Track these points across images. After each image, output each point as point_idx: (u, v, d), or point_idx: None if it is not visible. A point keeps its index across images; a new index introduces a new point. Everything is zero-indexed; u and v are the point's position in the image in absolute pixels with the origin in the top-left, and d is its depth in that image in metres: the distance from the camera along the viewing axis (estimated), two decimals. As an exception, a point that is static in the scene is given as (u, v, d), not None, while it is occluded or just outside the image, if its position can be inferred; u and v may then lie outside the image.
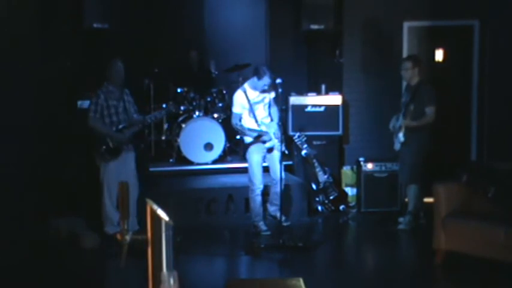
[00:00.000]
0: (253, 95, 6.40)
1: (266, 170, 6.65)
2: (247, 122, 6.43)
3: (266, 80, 6.28)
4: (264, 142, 6.39)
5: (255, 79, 6.35)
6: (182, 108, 8.25)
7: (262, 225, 6.50)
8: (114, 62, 6.27)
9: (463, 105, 7.90)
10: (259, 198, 6.50)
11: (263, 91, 6.38)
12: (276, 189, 6.44)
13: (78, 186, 6.94)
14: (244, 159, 7.89)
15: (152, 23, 8.82)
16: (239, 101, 6.40)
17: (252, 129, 6.41)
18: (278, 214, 6.46)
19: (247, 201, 6.91)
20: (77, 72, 7.30)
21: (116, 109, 6.18)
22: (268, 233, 6.41)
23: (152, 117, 6.55)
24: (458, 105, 7.88)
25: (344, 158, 7.82)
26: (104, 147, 6.13)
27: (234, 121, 6.44)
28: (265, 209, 6.73)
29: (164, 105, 7.77)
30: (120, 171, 6.15)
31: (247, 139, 6.48)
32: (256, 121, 6.41)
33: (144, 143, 7.91)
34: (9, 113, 5.67)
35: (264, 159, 6.50)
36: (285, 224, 6.57)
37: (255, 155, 6.43)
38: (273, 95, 6.46)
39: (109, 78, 6.22)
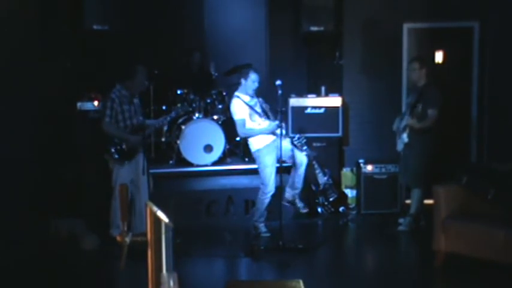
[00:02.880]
0: (247, 99, 6.41)
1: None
2: (250, 126, 6.42)
3: (252, 76, 6.29)
4: (275, 134, 6.29)
5: (242, 82, 6.38)
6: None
7: (262, 227, 6.49)
8: (140, 69, 6.11)
9: (463, 106, 7.90)
10: (267, 201, 6.46)
11: (254, 90, 6.36)
12: (299, 171, 6.47)
13: (78, 187, 6.94)
14: (244, 160, 7.93)
15: (152, 25, 8.81)
16: (238, 107, 6.39)
17: (260, 129, 6.39)
18: (297, 200, 6.45)
19: (247, 202, 6.92)
20: (77, 73, 7.29)
21: (129, 113, 6.10)
22: (268, 234, 6.41)
23: (172, 115, 6.54)
24: (458, 106, 7.87)
25: (344, 160, 7.81)
26: (117, 150, 6.04)
27: (241, 129, 6.40)
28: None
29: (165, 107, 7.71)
30: (133, 173, 6.12)
31: (255, 145, 6.41)
32: (259, 124, 6.41)
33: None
34: (9, 113, 5.67)
35: (277, 160, 6.37)
36: (303, 211, 6.55)
37: (267, 157, 6.37)
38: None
39: (130, 85, 6.08)
